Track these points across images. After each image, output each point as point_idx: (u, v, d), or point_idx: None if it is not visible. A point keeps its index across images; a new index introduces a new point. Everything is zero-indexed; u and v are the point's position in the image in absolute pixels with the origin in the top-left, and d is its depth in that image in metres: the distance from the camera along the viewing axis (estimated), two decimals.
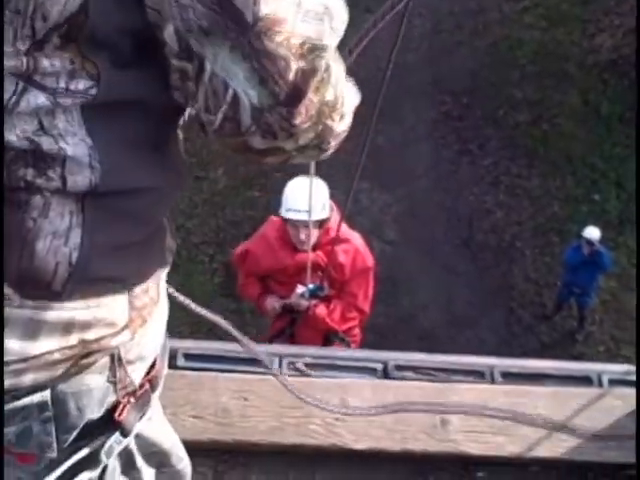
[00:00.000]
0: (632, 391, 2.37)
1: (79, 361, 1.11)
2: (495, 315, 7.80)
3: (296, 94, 0.97)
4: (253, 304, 4.97)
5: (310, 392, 2.10)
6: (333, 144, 1.10)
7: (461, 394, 2.27)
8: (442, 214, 8.32)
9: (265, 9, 0.91)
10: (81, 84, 0.95)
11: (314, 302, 4.16)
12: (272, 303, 4.28)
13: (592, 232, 7.04)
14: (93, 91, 0.95)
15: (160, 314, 1.24)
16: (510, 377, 2.41)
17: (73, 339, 1.08)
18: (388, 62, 2.11)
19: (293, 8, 0.94)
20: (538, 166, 8.71)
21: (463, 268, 7.99)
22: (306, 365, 2.23)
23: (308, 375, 2.21)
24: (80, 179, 0.99)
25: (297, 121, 1.00)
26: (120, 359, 1.17)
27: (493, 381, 2.38)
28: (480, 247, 8.16)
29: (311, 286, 4.07)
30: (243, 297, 5.10)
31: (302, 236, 3.94)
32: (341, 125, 1.08)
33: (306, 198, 3.46)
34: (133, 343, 1.17)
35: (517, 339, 7.78)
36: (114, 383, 1.19)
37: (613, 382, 2.48)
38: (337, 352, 2.98)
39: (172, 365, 2.03)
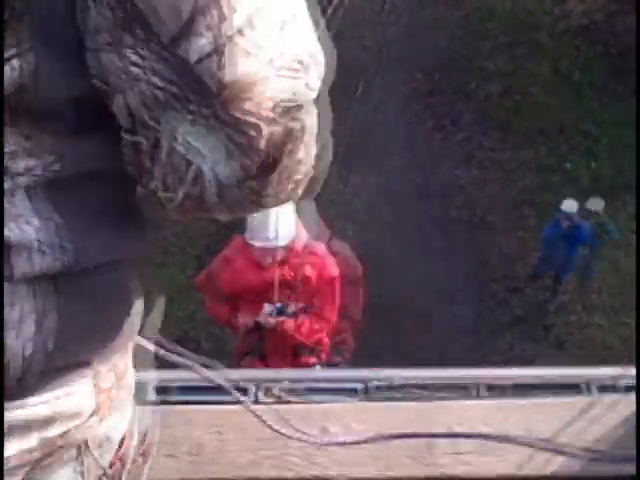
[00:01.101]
0: (623, 397, 2.28)
1: (40, 462, 0.99)
2: (469, 290, 7.78)
3: (269, 163, 0.86)
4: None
5: (288, 420, 2.00)
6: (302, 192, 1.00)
7: (446, 413, 2.18)
8: (416, 192, 8.24)
9: (231, 73, 0.79)
10: (40, 162, 0.85)
11: (282, 319, 4.19)
12: (244, 319, 4.27)
13: (570, 205, 7.00)
14: (55, 167, 0.85)
15: (128, 384, 1.12)
16: (496, 390, 2.32)
17: (33, 440, 0.96)
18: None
19: (264, 67, 0.82)
20: (511, 138, 8.63)
21: (437, 244, 7.94)
22: (283, 391, 2.12)
23: (286, 402, 2.11)
24: (50, 261, 0.89)
25: (269, 191, 0.89)
26: (87, 446, 1.05)
27: (479, 395, 2.28)
28: (454, 222, 8.11)
29: (279, 305, 4.11)
30: (214, 320, 5.13)
31: (269, 259, 3.97)
32: (315, 169, 0.96)
33: (272, 224, 3.41)
34: (101, 427, 1.05)
35: (492, 313, 7.80)
36: (82, 473, 1.07)
37: (602, 389, 2.39)
38: (315, 373, 2.87)
39: (142, 400, 1.90)
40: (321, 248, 4.26)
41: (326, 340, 4.42)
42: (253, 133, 0.83)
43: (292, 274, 4.04)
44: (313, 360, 4.28)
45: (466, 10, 9.29)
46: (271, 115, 0.83)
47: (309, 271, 4.09)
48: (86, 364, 0.99)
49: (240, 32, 0.79)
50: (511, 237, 8.10)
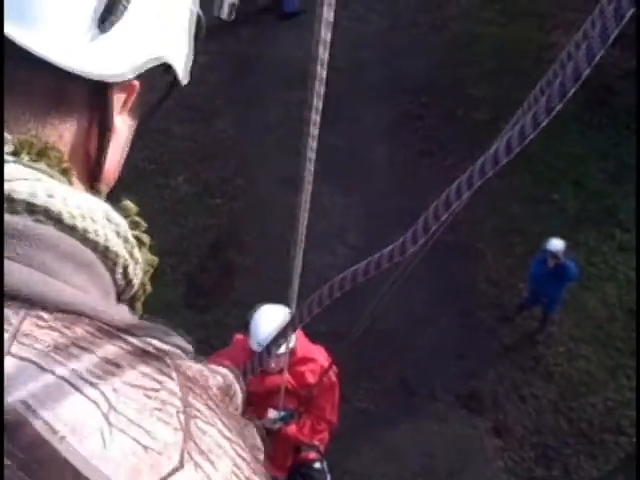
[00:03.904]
0: None
1: None
2: (455, 317, 7.62)
3: None
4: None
5: None
6: None
7: None
8: (402, 216, 8.08)
9: None
10: None
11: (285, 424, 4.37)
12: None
13: (556, 244, 6.87)
14: None
15: None
16: None
17: None
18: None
19: None
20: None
21: (423, 271, 7.76)
22: None
23: None
24: None
25: None
26: None
27: None
28: (440, 248, 7.94)
29: (282, 413, 4.26)
30: None
31: (273, 365, 4.07)
32: None
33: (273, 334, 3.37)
34: None
35: (478, 341, 7.63)
36: None
37: None
38: None
39: None
40: (321, 353, 4.35)
41: (327, 436, 4.61)
42: None
43: (294, 382, 4.18)
44: (313, 455, 4.53)
45: (451, 35, 9.24)
46: None
47: (310, 378, 4.20)
48: None
49: None
50: (498, 265, 7.96)
